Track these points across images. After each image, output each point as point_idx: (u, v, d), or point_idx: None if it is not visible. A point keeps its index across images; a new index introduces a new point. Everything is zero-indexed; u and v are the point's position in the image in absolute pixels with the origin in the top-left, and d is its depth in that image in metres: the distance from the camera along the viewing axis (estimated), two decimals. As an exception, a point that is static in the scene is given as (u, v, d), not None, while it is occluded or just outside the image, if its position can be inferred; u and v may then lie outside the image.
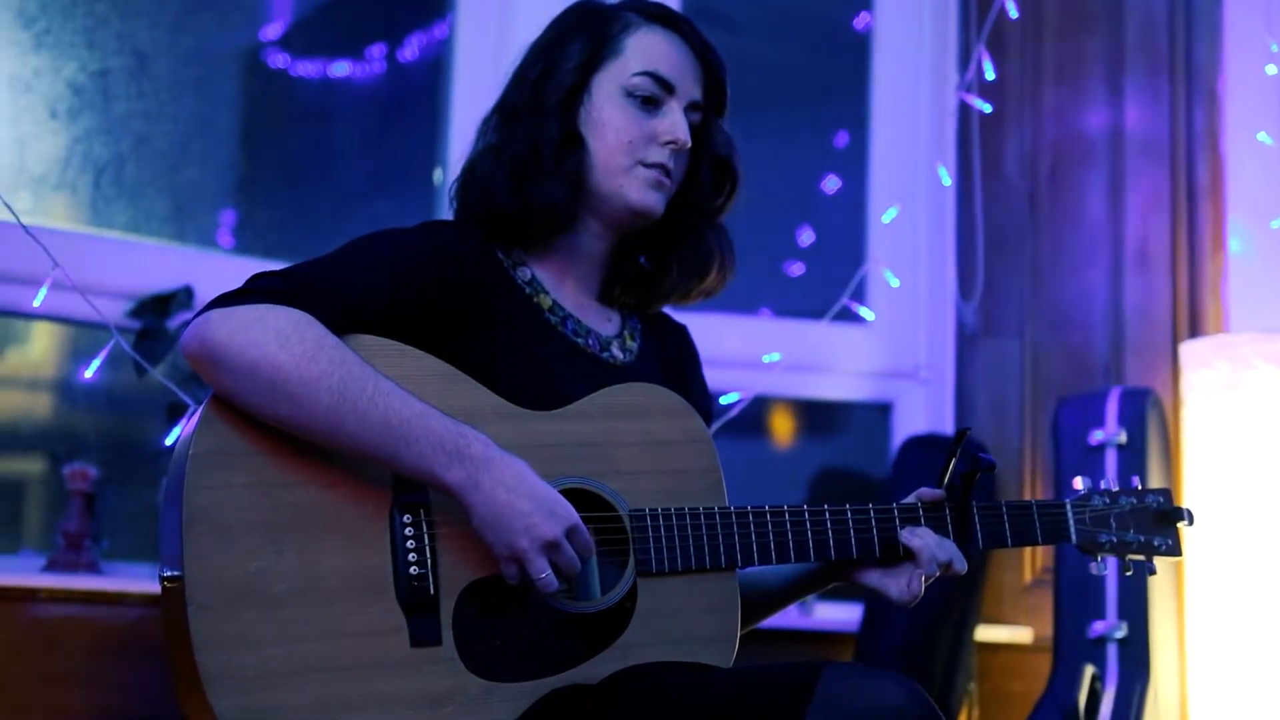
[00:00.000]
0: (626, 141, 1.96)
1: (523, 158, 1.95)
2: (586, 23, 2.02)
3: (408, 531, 1.76)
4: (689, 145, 1.99)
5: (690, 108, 2.00)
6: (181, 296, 3.10)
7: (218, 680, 1.65)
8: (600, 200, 1.98)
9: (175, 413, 2.99)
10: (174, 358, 3.00)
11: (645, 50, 1.99)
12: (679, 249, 2.06)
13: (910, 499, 1.97)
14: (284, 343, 1.72)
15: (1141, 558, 2.01)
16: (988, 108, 3.56)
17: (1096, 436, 3.07)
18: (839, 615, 3.46)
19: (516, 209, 1.94)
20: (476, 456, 1.72)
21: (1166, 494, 2.06)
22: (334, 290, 1.80)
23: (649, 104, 1.98)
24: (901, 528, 1.93)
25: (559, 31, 2.03)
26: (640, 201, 1.98)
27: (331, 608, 1.71)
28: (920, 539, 1.90)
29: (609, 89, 1.98)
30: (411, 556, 1.75)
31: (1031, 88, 3.62)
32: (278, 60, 3.64)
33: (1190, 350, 3.11)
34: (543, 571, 1.72)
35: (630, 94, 1.97)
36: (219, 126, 3.58)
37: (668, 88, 1.98)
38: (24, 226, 2.74)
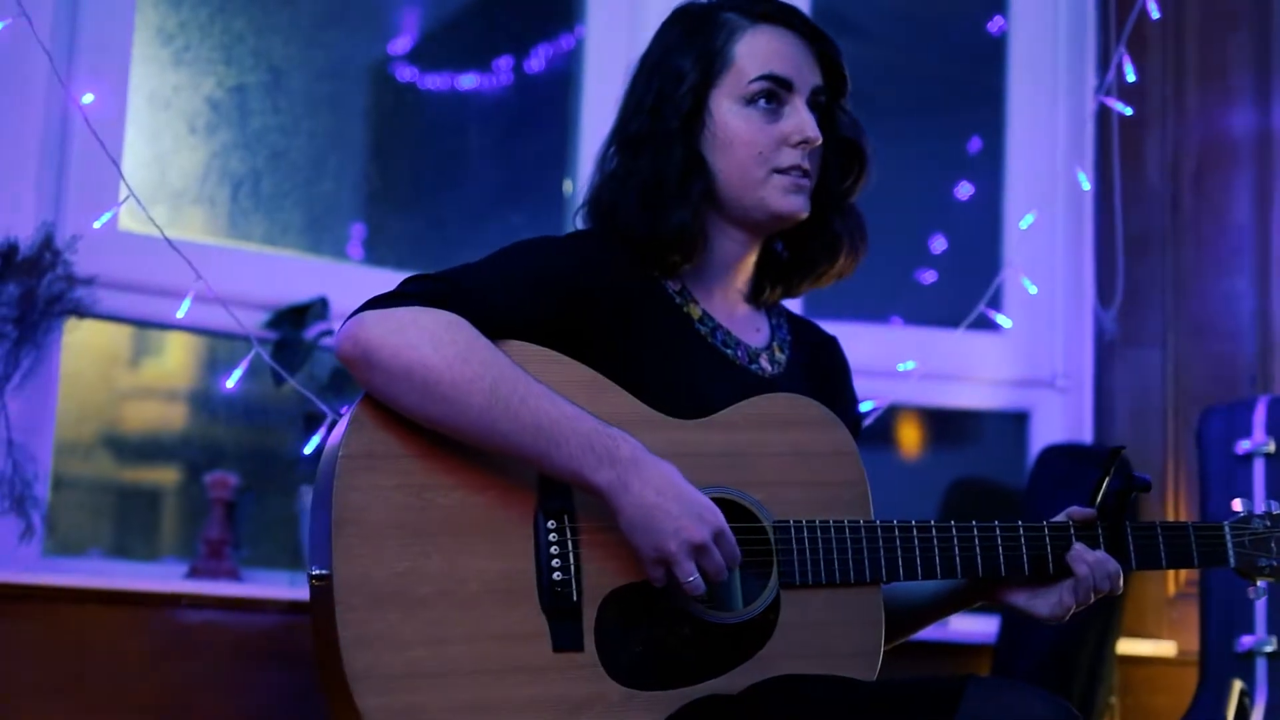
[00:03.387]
0: (757, 153, 1.94)
1: (648, 188, 1.93)
2: (691, 36, 1.98)
3: (551, 537, 1.78)
4: (820, 141, 1.96)
5: (812, 96, 1.97)
6: (317, 308, 3.15)
7: (364, 679, 1.68)
8: (742, 213, 1.97)
9: (312, 422, 3.04)
10: (310, 368, 3.05)
11: (756, 53, 1.95)
12: (807, 236, 2.04)
13: (1061, 517, 1.95)
14: (437, 344, 1.74)
15: None
16: (1128, 110, 3.52)
17: (1243, 446, 3.02)
18: (976, 627, 3.43)
19: (648, 239, 1.93)
20: (625, 458, 1.73)
21: None
22: (485, 295, 1.81)
23: (771, 107, 1.95)
24: (1053, 548, 1.92)
25: (665, 47, 1.99)
26: (786, 208, 1.96)
27: (475, 611, 1.73)
28: (1086, 567, 1.90)
29: (727, 103, 1.95)
30: (555, 562, 1.77)
31: (1174, 89, 3.58)
32: (406, 74, 3.70)
33: (1342, 356, 3.06)
34: (690, 575, 1.72)
35: (750, 102, 1.94)
36: (351, 140, 3.65)
37: (787, 85, 1.95)
38: (168, 240, 2.82)
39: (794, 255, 2.06)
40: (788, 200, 1.96)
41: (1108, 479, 1.93)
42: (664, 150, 1.94)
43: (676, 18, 2.02)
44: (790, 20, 1.98)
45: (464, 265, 1.87)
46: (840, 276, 2.07)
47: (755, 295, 2.06)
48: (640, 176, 1.94)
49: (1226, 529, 1.98)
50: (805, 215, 1.98)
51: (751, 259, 2.04)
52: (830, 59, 2.00)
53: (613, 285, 1.91)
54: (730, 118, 1.95)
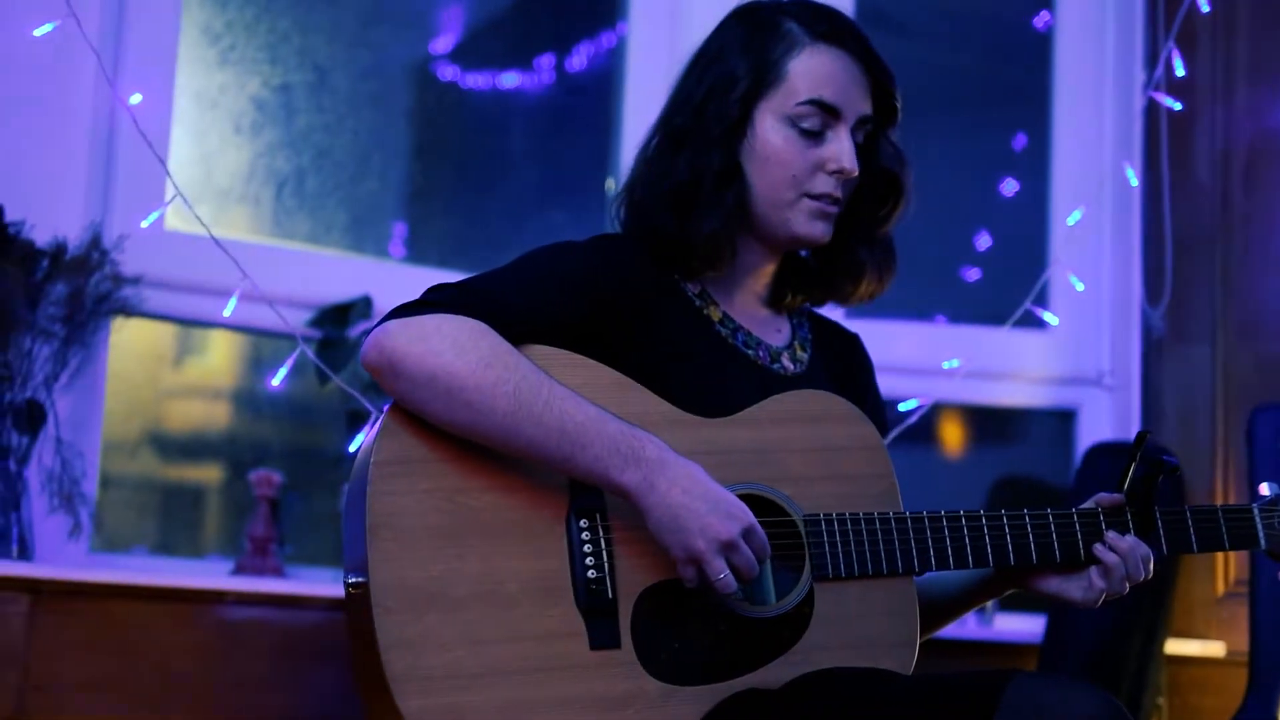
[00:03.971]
0: (791, 175, 1.94)
1: (684, 187, 1.93)
2: (750, 40, 1.97)
3: (584, 536, 1.79)
4: (856, 173, 1.95)
5: (858, 124, 1.97)
6: (361, 306, 3.17)
7: (404, 681, 1.69)
8: (765, 229, 1.98)
9: (355, 420, 3.06)
10: (354, 366, 3.06)
11: (810, 75, 1.94)
12: (832, 258, 2.05)
13: (1089, 504, 1.95)
14: (460, 350, 1.75)
15: None
16: (1178, 106, 3.49)
17: (1293, 445, 3.01)
18: (1021, 626, 3.43)
19: (677, 240, 1.94)
20: (651, 459, 1.74)
21: None
22: (508, 301, 1.83)
23: (814, 131, 1.94)
24: (1083, 535, 1.92)
25: (722, 45, 1.99)
26: (806, 233, 1.97)
27: (512, 611, 1.74)
28: (1117, 555, 1.89)
29: (772, 119, 1.94)
30: (589, 561, 1.78)
31: (1224, 85, 3.55)
32: (448, 73, 3.71)
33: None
34: (721, 572, 1.73)
35: (794, 123, 1.94)
36: (394, 139, 3.66)
37: (834, 113, 1.94)
38: (214, 239, 2.84)
39: (819, 271, 2.07)
40: (811, 225, 1.97)
41: (1134, 464, 1.92)
42: (703, 152, 1.94)
43: (741, 15, 2.02)
44: (849, 44, 1.96)
45: (487, 272, 1.89)
46: (863, 300, 2.08)
47: (775, 300, 2.07)
48: (677, 176, 1.95)
49: (1256, 510, 1.98)
50: (826, 241, 1.99)
51: (772, 268, 2.05)
52: (885, 88, 1.99)
53: (634, 289, 1.92)
54: (772, 134, 1.95)
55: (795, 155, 1.94)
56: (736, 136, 1.95)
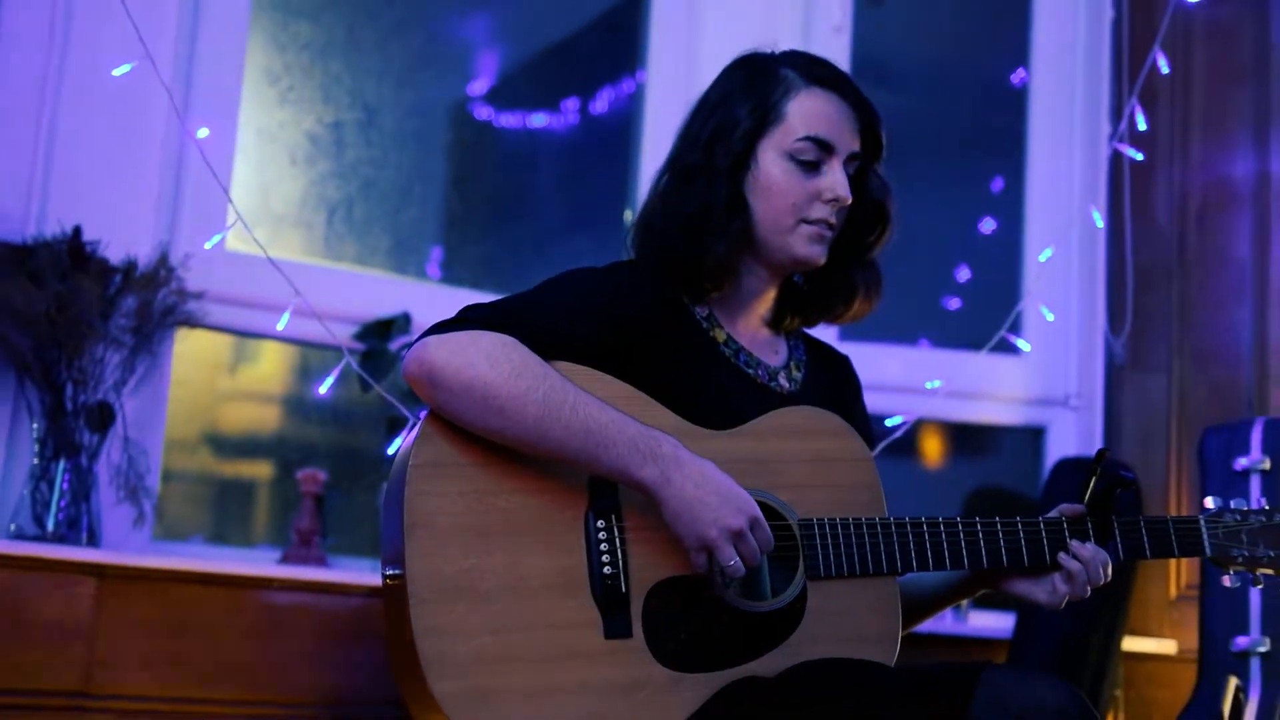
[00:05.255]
0: (791, 203, 1.95)
1: (695, 217, 1.94)
2: (752, 85, 1.98)
3: (600, 535, 1.78)
4: (849, 201, 1.96)
5: (849, 159, 1.98)
6: (401, 322, 3.16)
7: (437, 664, 1.68)
8: (768, 253, 1.98)
9: (394, 425, 3.05)
10: (394, 376, 3.05)
11: (806, 114, 1.95)
12: (827, 280, 2.05)
13: (1054, 514, 1.95)
14: (493, 363, 1.75)
15: (1271, 572, 1.97)
16: (1139, 156, 3.47)
17: (1241, 463, 2.97)
18: (993, 623, 3.42)
19: (688, 262, 1.94)
20: (667, 456, 1.74)
21: None
22: (534, 321, 1.82)
23: (810, 165, 1.95)
24: (1049, 542, 1.90)
25: (726, 91, 2.00)
26: (805, 255, 1.97)
27: (533, 603, 1.74)
28: (1079, 563, 1.89)
29: (772, 154, 1.95)
30: (604, 558, 1.77)
31: (1181, 138, 3.53)
32: (483, 113, 3.71)
33: (1333, 382, 3.01)
34: (730, 559, 1.73)
35: (793, 157, 1.95)
36: (433, 171, 3.66)
37: (828, 148, 1.95)
38: (270, 259, 2.83)
39: (813, 294, 2.07)
40: (809, 248, 1.97)
41: (1094, 478, 1.92)
42: (712, 185, 1.95)
43: (742, 64, 2.03)
44: (841, 88, 1.98)
45: (516, 294, 1.89)
46: (855, 319, 2.09)
47: (775, 322, 2.06)
48: (688, 206, 1.95)
49: (1202, 521, 1.97)
50: (822, 263, 1.99)
51: (773, 292, 2.05)
52: (871, 128, 2.01)
53: (647, 312, 1.92)
54: (773, 167, 1.95)
55: (794, 186, 1.95)
56: (741, 171, 1.96)
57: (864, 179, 2.02)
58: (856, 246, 2.04)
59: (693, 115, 2.03)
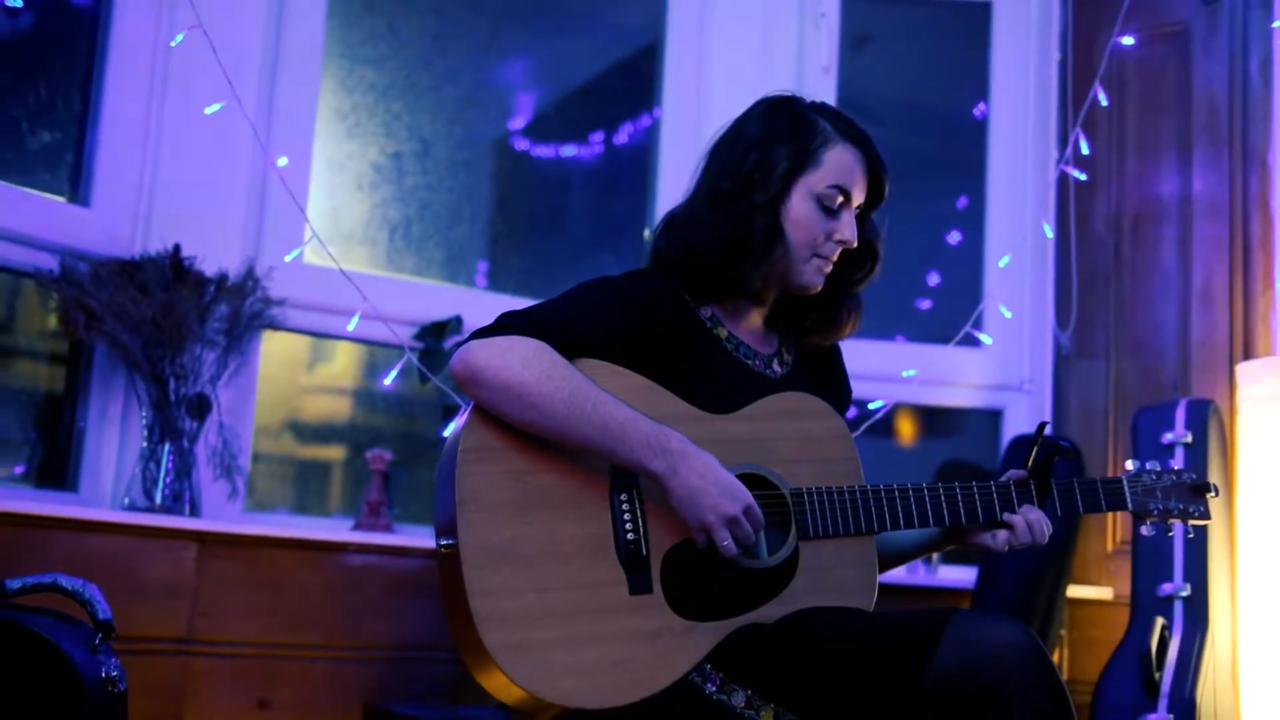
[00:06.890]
0: (811, 238, 1.94)
1: (735, 240, 1.91)
2: (794, 130, 1.95)
3: (624, 507, 1.78)
4: (855, 244, 1.96)
5: (858, 207, 1.98)
6: (453, 324, 3.16)
7: (488, 620, 1.68)
8: (778, 275, 1.96)
9: (449, 412, 3.06)
10: (448, 370, 3.05)
11: (838, 166, 1.94)
12: (820, 306, 2.03)
13: (1004, 479, 1.95)
14: (527, 365, 1.74)
15: (1179, 521, 1.99)
16: (1083, 176, 3.47)
17: (1167, 437, 2.99)
18: (958, 575, 3.41)
19: (720, 279, 1.93)
20: (675, 450, 1.74)
21: (1199, 472, 2.04)
22: (562, 325, 1.82)
23: (832, 209, 1.94)
24: (999, 501, 1.92)
25: (769, 129, 1.96)
26: (809, 283, 1.97)
27: (568, 566, 1.74)
28: (1024, 521, 1.90)
29: (803, 193, 1.93)
30: (628, 526, 1.77)
31: (1117, 161, 3.52)
32: (522, 145, 3.70)
33: (1245, 369, 3.00)
34: (725, 540, 1.74)
35: (820, 200, 1.93)
36: (480, 195, 3.66)
37: (847, 196, 1.94)
38: (342, 271, 2.85)
39: (810, 317, 2.05)
40: (814, 277, 1.97)
41: (1035, 448, 1.93)
42: (749, 214, 1.92)
43: (781, 107, 1.99)
44: (866, 148, 1.97)
45: (546, 301, 1.88)
46: (835, 339, 2.08)
47: (769, 323, 2.05)
48: (730, 230, 1.92)
49: (1125, 481, 1.97)
50: (818, 291, 1.99)
51: (770, 303, 2.04)
52: (880, 183, 2.00)
53: (660, 315, 1.91)
54: (801, 205, 1.94)
55: (816, 224, 1.94)
56: (778, 204, 1.94)
57: (861, 224, 2.01)
58: (847, 281, 2.03)
59: (732, 145, 1.98)
